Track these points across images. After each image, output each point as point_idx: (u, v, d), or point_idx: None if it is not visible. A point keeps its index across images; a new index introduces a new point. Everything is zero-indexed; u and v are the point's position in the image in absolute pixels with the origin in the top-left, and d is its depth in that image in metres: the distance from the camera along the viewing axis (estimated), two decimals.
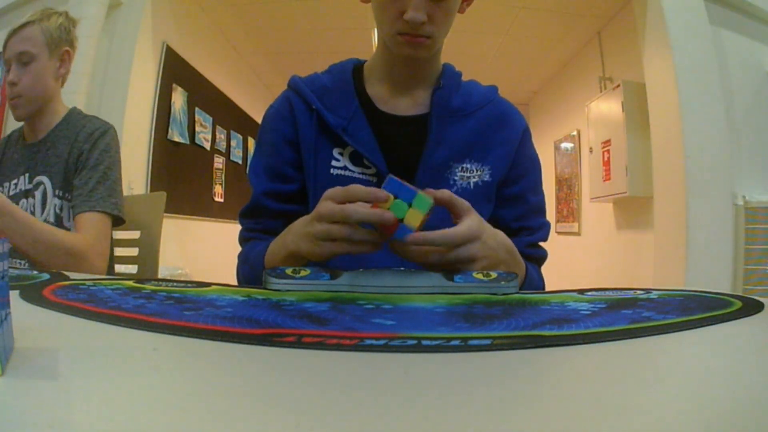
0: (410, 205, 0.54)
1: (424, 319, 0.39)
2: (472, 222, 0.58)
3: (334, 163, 0.75)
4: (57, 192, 1.05)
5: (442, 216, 0.59)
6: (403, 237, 0.54)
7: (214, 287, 0.52)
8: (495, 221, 0.76)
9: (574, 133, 4.02)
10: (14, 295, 0.43)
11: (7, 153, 1.15)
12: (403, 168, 0.71)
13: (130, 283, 0.54)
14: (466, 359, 0.29)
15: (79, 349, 0.29)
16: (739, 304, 0.44)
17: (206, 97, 3.66)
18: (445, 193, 0.58)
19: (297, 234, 0.61)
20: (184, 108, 3.28)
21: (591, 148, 3.46)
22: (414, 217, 0.54)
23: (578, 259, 3.88)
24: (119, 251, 1.23)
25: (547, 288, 0.71)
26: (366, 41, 3.72)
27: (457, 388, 0.24)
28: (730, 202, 2.29)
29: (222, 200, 4.00)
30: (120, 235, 1.23)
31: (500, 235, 0.64)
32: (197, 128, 3.51)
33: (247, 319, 0.37)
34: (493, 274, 0.54)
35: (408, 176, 0.69)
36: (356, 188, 0.55)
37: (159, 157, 2.97)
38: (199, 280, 0.57)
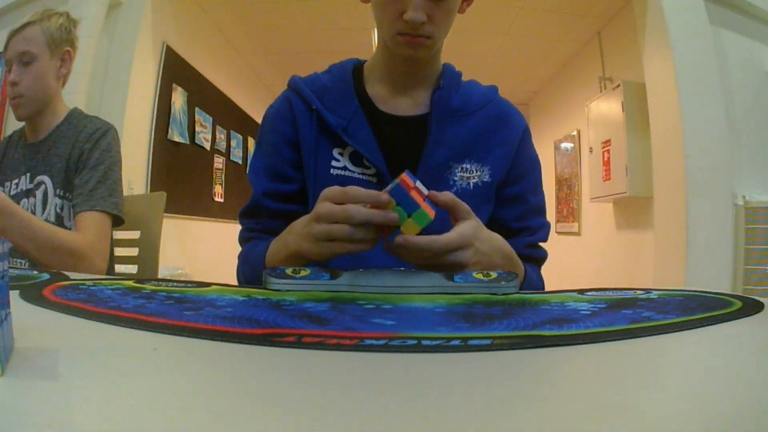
0: (409, 215, 0.54)
1: (424, 319, 0.39)
2: (464, 229, 0.57)
3: (334, 163, 0.75)
4: (58, 192, 1.05)
5: (442, 216, 0.59)
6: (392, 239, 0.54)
7: (214, 287, 0.52)
8: (495, 221, 0.76)
9: (574, 133, 4.02)
10: (14, 295, 0.43)
11: (9, 153, 1.15)
12: (402, 168, 0.71)
13: (130, 283, 0.54)
14: (466, 359, 0.29)
15: (79, 349, 0.29)
16: (739, 304, 0.44)
17: (206, 97, 3.66)
18: (447, 195, 0.58)
19: (298, 234, 0.60)
20: (184, 108, 3.28)
21: (591, 148, 3.46)
22: (410, 228, 0.54)
23: (578, 259, 3.88)
24: (119, 251, 1.24)
25: (547, 288, 0.70)
26: (366, 41, 3.72)
27: (457, 388, 0.24)
28: (730, 202, 2.29)
29: (222, 200, 4.00)
30: (120, 235, 1.23)
31: (497, 239, 0.64)
32: (197, 128, 3.51)
33: (247, 319, 0.37)
34: (493, 274, 0.54)
35: None
36: (356, 190, 0.55)
37: (159, 157, 2.97)
38: (199, 280, 0.57)
